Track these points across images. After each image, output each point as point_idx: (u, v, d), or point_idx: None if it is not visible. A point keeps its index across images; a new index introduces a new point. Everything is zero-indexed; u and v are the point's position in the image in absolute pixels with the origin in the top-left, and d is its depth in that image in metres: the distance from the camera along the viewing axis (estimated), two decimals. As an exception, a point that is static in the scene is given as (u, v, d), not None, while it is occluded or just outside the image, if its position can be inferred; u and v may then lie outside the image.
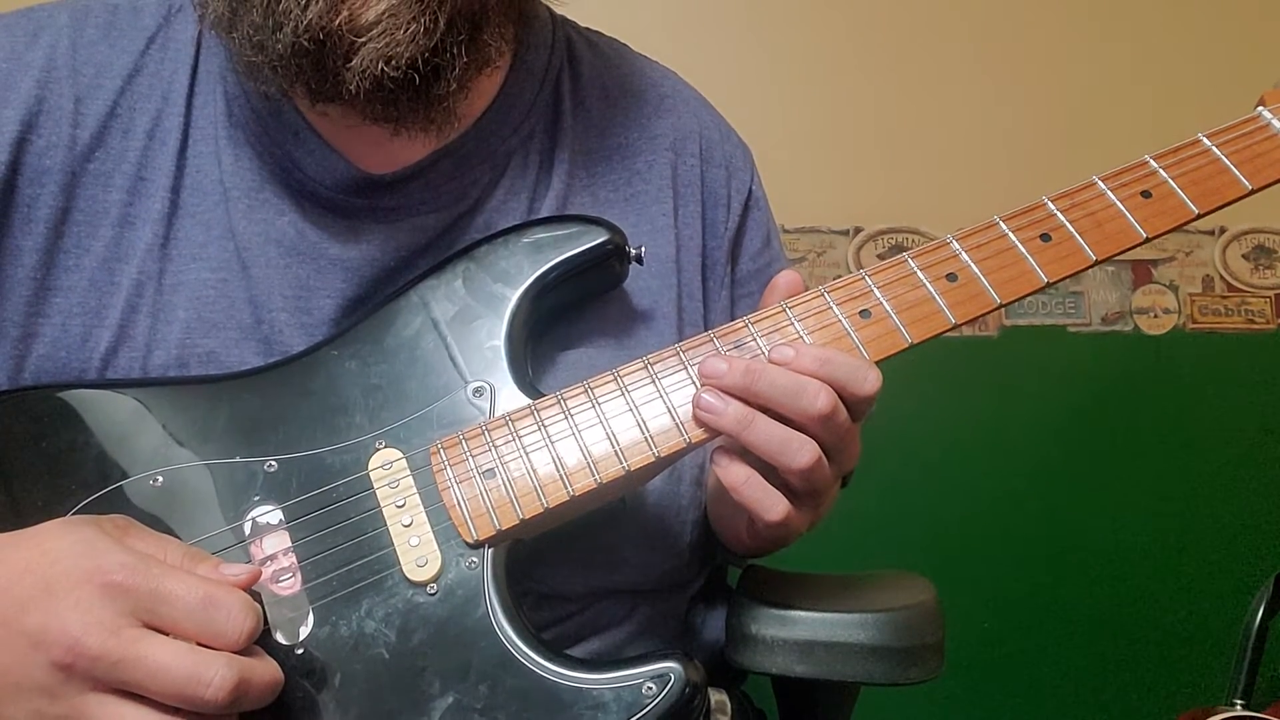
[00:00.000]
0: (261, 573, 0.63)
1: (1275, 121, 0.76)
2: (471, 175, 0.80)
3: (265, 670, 0.58)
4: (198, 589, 0.56)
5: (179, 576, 0.57)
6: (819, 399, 0.65)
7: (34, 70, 0.76)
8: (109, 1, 0.81)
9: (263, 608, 0.61)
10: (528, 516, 0.66)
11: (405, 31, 0.68)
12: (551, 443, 0.68)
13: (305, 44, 0.68)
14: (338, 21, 0.67)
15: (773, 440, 0.65)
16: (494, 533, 0.66)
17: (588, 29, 0.93)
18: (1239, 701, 1.54)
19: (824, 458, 0.66)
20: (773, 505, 0.67)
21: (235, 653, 0.57)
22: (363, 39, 0.68)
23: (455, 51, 0.71)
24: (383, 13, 0.67)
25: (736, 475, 0.67)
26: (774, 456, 0.66)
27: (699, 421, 0.67)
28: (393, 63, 0.68)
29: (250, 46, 0.70)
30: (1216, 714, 1.50)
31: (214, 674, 0.54)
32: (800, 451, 0.65)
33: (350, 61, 0.68)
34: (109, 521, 0.60)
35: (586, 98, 0.88)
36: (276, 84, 0.72)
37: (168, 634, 0.56)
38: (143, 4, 0.82)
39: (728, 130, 0.94)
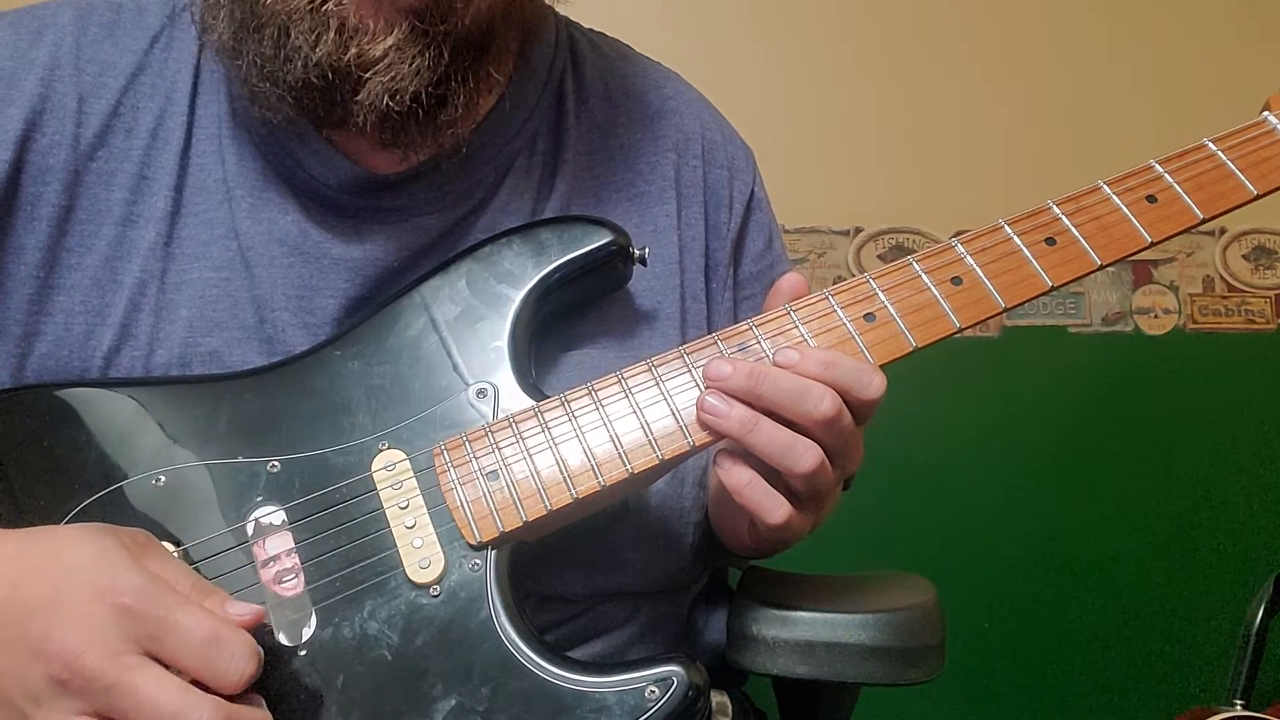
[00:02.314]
0: (265, 613, 0.61)
1: (1281, 126, 0.76)
2: (476, 176, 0.80)
3: (253, 718, 0.57)
4: (206, 625, 0.56)
5: (189, 609, 0.56)
6: (823, 403, 0.65)
7: (38, 68, 0.76)
8: (113, 0, 0.81)
9: (266, 609, 0.61)
10: (531, 518, 0.66)
11: (410, 66, 0.69)
12: (555, 444, 0.68)
13: (315, 80, 0.69)
14: (347, 58, 0.69)
15: (776, 444, 0.65)
16: (497, 534, 0.66)
17: (590, 29, 0.93)
18: (1239, 701, 1.54)
19: (827, 461, 0.66)
20: (775, 508, 0.67)
21: (231, 695, 0.56)
22: (369, 74, 0.69)
23: (460, 79, 0.73)
24: (389, 47, 0.69)
25: (739, 478, 0.67)
26: (777, 460, 0.66)
27: (703, 424, 0.67)
28: (398, 97, 0.70)
29: (257, 75, 0.71)
30: (1216, 714, 1.50)
31: (200, 716, 0.53)
32: (803, 456, 0.65)
33: (358, 95, 0.70)
34: (129, 536, 0.59)
35: (589, 98, 0.87)
36: (283, 113, 0.73)
37: (168, 665, 0.55)
38: (147, 3, 0.82)
39: (730, 131, 0.94)
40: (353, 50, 0.69)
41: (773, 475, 0.67)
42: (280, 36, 0.69)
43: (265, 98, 0.72)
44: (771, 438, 0.65)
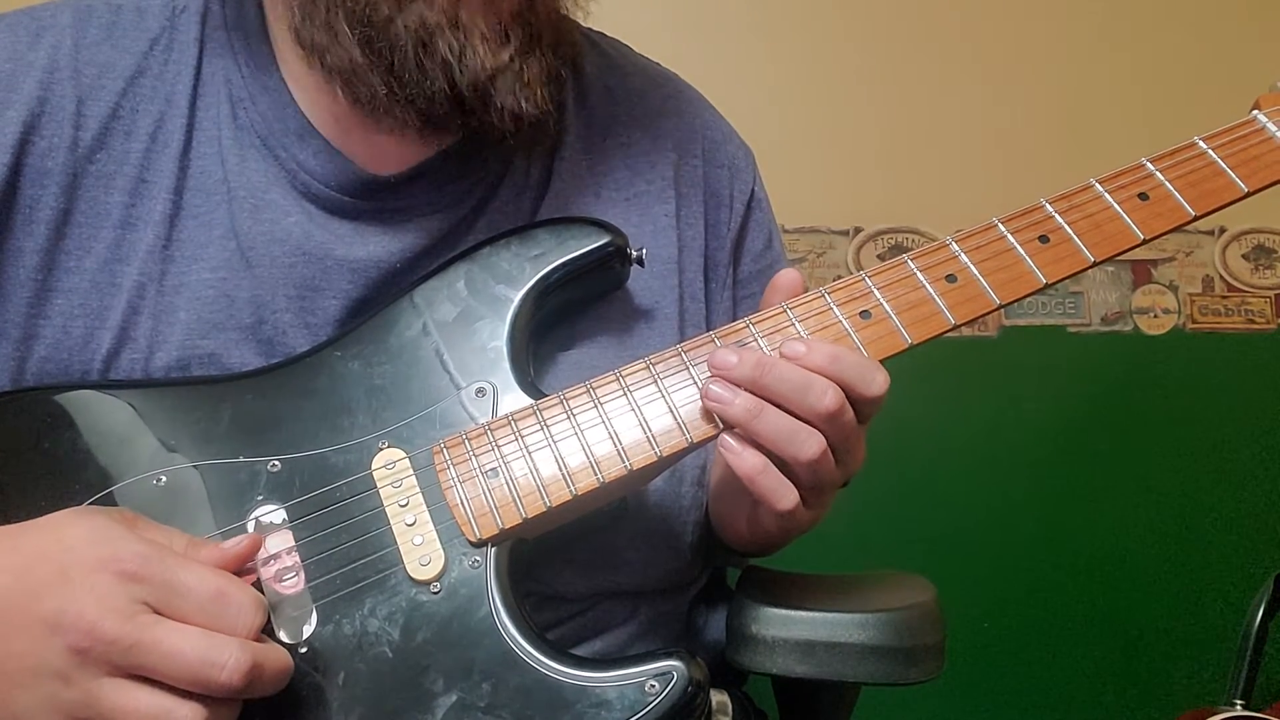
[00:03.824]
0: (261, 540, 0.64)
1: (1270, 125, 0.76)
2: (476, 175, 0.81)
3: (277, 656, 0.59)
4: (210, 583, 0.57)
5: (192, 569, 0.58)
6: (826, 396, 0.65)
7: (36, 71, 0.76)
8: (112, 2, 0.81)
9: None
10: (530, 515, 0.66)
11: (533, 70, 0.74)
12: (554, 442, 0.68)
13: (465, 91, 0.72)
14: (491, 66, 0.72)
15: (781, 431, 0.65)
16: (497, 531, 0.66)
17: (591, 29, 0.93)
18: (1239, 701, 1.54)
19: (830, 451, 0.66)
20: (786, 495, 0.66)
21: None
22: (497, 80, 0.73)
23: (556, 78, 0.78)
24: (513, 53, 0.73)
25: (752, 464, 0.66)
26: (781, 447, 0.65)
27: (707, 412, 0.67)
28: (530, 99, 0.74)
29: (387, 92, 0.73)
30: (1216, 714, 1.50)
31: (229, 657, 0.55)
32: (807, 442, 0.65)
33: (493, 101, 0.73)
34: (117, 512, 0.61)
35: (589, 97, 0.88)
36: (412, 125, 0.75)
37: None
38: (146, 5, 0.82)
39: (730, 131, 0.94)
40: (492, 59, 0.72)
41: (779, 465, 0.67)
42: (418, 53, 0.71)
43: (387, 110, 0.74)
44: (777, 424, 0.65)
